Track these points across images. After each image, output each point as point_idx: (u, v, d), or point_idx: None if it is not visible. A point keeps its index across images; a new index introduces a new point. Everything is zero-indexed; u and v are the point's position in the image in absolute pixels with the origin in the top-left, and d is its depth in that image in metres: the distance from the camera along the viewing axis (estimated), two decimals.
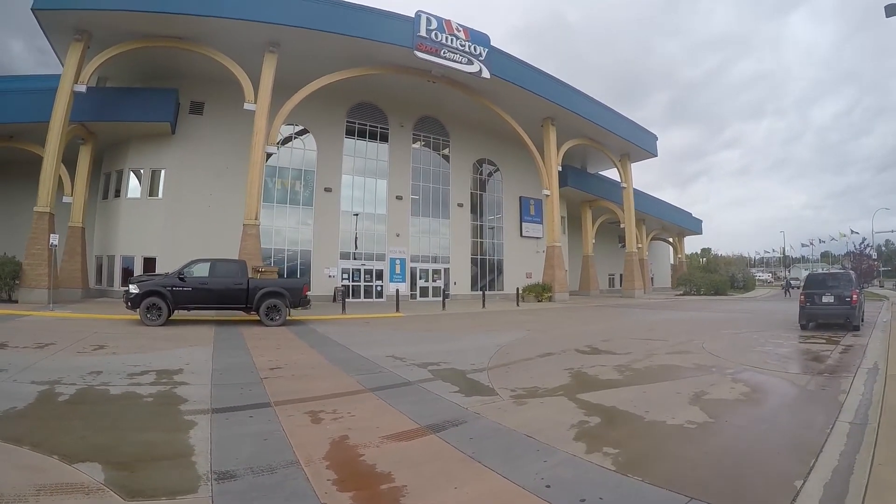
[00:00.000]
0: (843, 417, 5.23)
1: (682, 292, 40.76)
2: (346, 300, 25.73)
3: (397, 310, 19.97)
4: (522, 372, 7.78)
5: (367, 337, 12.28)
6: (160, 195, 23.41)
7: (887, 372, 7.26)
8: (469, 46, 24.05)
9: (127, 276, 20.54)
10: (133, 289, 12.97)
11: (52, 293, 17.22)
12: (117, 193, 23.63)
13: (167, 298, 13.00)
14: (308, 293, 15.07)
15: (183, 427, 4.82)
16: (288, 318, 14.73)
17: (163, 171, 23.52)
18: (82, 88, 18.94)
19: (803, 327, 13.81)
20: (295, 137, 26.73)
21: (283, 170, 26.32)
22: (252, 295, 13.95)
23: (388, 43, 22.16)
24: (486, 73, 24.34)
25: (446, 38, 23.33)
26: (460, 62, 23.78)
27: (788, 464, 4.01)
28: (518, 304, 24.77)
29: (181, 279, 13.40)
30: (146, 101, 22.33)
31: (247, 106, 20.51)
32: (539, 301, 28.11)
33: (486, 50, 24.58)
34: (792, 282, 43.93)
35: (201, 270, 13.84)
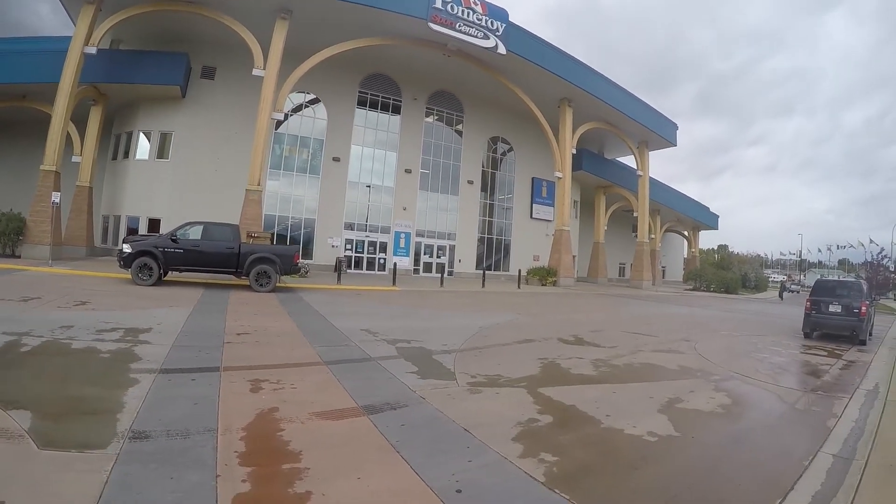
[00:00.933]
0: (828, 448, 4.69)
1: (691, 287, 40.31)
2: (349, 271, 26.23)
3: (394, 283, 20.10)
4: (493, 358, 7.61)
5: (352, 308, 12.35)
6: (168, 157, 23.73)
7: (888, 397, 6.74)
8: (486, 21, 23.56)
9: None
10: (126, 248, 13.24)
11: (57, 250, 17.79)
12: (126, 154, 24.03)
13: (159, 259, 13.21)
14: (300, 261, 15.28)
15: (124, 384, 4.94)
16: (279, 284, 14.93)
17: (172, 134, 23.79)
18: (92, 50, 19.11)
19: (807, 336, 13.28)
20: (306, 106, 26.71)
21: (292, 137, 26.41)
22: (243, 260, 14.11)
23: (401, 13, 21.80)
24: (502, 49, 23.87)
25: (462, 10, 22.87)
26: (476, 36, 23.34)
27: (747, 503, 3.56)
28: (519, 287, 24.68)
29: (174, 240, 13.60)
30: (157, 64, 22.44)
31: (255, 72, 20.53)
32: (543, 285, 28.00)
33: (504, 25, 24.05)
34: (791, 286, 43.26)
35: (194, 233, 14.01)
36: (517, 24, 25.25)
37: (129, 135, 24.07)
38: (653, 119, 35.16)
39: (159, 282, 13.46)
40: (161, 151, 23.86)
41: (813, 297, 13.38)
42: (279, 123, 25.65)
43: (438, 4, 22.17)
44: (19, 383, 4.78)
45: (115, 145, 24.71)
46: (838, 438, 5.00)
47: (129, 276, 13.23)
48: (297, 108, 26.45)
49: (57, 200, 16.50)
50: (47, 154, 18.53)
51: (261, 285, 14.08)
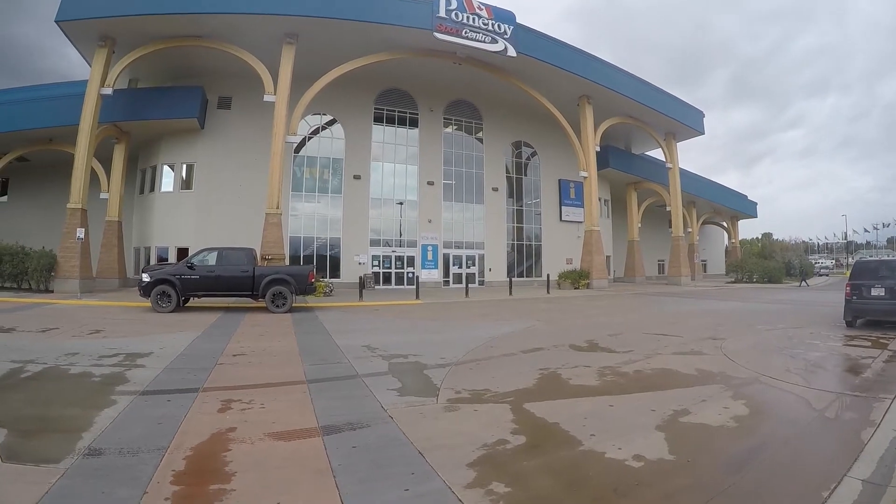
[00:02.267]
0: (858, 471, 3.76)
1: (732, 279, 38.94)
2: (377, 287, 26.61)
3: (417, 297, 20.20)
4: (489, 370, 7.29)
5: (363, 325, 12.47)
6: (192, 188, 24.83)
7: None
8: (493, 25, 23.70)
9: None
10: (145, 277, 13.88)
11: (88, 283, 18.95)
12: (152, 188, 25.27)
13: (176, 286, 13.76)
14: (315, 280, 15.57)
15: (102, 405, 5.17)
16: (298, 304, 15.29)
17: (195, 165, 24.92)
18: (108, 91, 20.32)
19: (849, 324, 12.21)
20: (323, 128, 27.49)
21: (311, 159, 27.19)
22: (258, 282, 14.50)
23: (406, 27, 22.21)
24: (511, 52, 23.93)
25: (467, 17, 23.10)
26: (483, 41, 23.49)
27: None
28: (548, 292, 24.40)
29: (190, 267, 14.18)
30: (173, 99, 23.63)
31: (266, 98, 21.26)
32: (576, 288, 27.55)
33: (512, 27, 24.13)
34: (820, 269, 40.98)
35: (209, 259, 14.56)
36: (526, 25, 25.33)
37: (154, 169, 25.31)
38: (677, 108, 34.38)
39: (179, 308, 14.04)
40: (185, 182, 25.00)
41: (853, 280, 12.21)
42: (300, 146, 26.55)
43: (442, 13, 22.46)
44: (8, 405, 5.19)
45: (142, 180, 26.03)
46: (872, 456, 4.12)
47: (150, 305, 13.89)
48: (315, 130, 27.28)
49: (82, 236, 17.55)
50: (72, 193, 19.73)
51: (277, 306, 14.44)
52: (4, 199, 28.21)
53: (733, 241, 54.26)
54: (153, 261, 24.16)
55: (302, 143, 26.71)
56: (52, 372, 6.58)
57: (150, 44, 20.94)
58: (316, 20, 21.07)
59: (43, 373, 6.52)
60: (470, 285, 27.18)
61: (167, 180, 25.21)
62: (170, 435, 4.37)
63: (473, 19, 23.28)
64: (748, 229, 55.55)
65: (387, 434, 4.55)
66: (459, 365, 7.61)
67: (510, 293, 23.26)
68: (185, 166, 25.07)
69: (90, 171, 20.70)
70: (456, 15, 22.81)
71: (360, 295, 19.66)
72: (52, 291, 18.36)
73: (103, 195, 22.73)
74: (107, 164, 22.86)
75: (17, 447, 3.95)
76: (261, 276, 14.63)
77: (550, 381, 6.76)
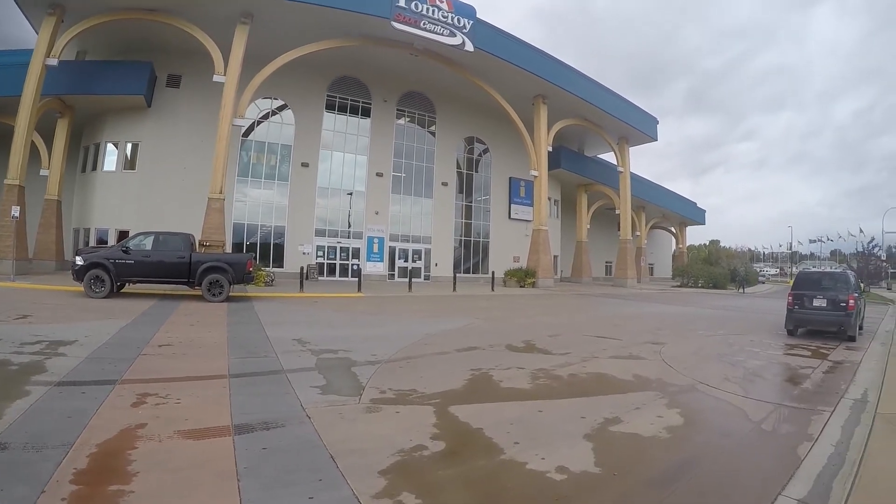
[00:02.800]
0: (793, 490, 3.65)
1: (678, 284, 40.72)
2: (321, 278, 26.63)
3: (359, 290, 20.39)
4: (419, 369, 7.23)
5: (299, 317, 12.54)
6: (136, 168, 24.21)
7: (877, 409, 5.80)
8: (452, 18, 23.96)
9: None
10: (78, 260, 13.59)
11: (23, 265, 18.47)
12: (94, 166, 24.55)
13: (110, 271, 13.55)
14: (254, 269, 15.58)
15: (14, 396, 5.22)
16: (236, 294, 15.26)
17: (139, 145, 24.29)
18: (54, 62, 19.67)
19: (790, 333, 12.65)
20: (274, 113, 27.13)
21: (259, 144, 26.88)
22: (194, 269, 14.37)
23: (364, 13, 22.22)
24: (469, 47, 24.26)
25: (427, 8, 23.27)
26: (442, 34, 23.75)
27: None
28: (493, 289, 25.00)
29: (125, 251, 13.96)
30: (120, 73, 22.98)
31: (216, 78, 20.91)
32: (522, 287, 28.29)
33: (471, 22, 24.45)
34: (760, 277, 44.27)
35: (145, 243, 14.36)
36: (486, 20, 25.65)
37: (97, 146, 24.55)
38: (632, 114, 35.51)
39: (113, 294, 13.84)
40: (128, 162, 24.36)
41: (795, 290, 12.67)
42: (249, 130, 26.16)
43: (402, 3, 22.54)
44: None
45: (84, 157, 25.21)
46: (809, 474, 4.00)
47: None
48: (265, 115, 26.90)
49: (17, 214, 17.05)
50: (10, 168, 19.11)
51: (213, 295, 14.33)
52: None
53: (680, 246, 56.60)
54: (92, 243, 23.50)
55: (251, 128, 26.36)
56: None
57: (100, 14, 20.34)
58: (275, 1, 20.79)
59: None
60: (415, 280, 27.63)
61: (110, 159, 24.55)
62: (78, 430, 4.38)
63: (433, 11, 23.46)
64: (696, 236, 58.64)
65: (301, 435, 4.48)
66: (390, 362, 7.60)
67: (454, 289, 23.70)
68: (129, 145, 24.46)
69: (30, 145, 20.02)
70: (416, 5, 22.94)
71: (301, 286, 19.74)
72: None
73: (43, 172, 22.05)
74: (49, 139, 22.12)
75: None
76: (197, 262, 14.51)
77: (481, 382, 6.73)
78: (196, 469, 3.78)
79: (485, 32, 25.35)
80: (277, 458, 3.99)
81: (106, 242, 22.91)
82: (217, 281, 14.44)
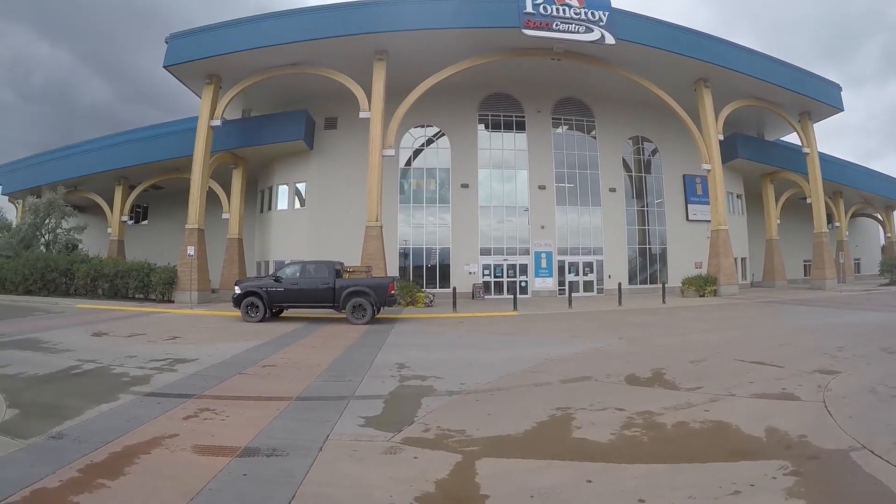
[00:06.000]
0: None
1: (887, 281, 32.48)
2: (486, 297, 26.63)
3: (514, 308, 19.84)
4: (493, 404, 6.29)
5: (425, 339, 12.08)
6: (305, 205, 27.33)
7: None
8: (585, 13, 22.67)
9: None
10: (237, 289, 15.59)
11: (205, 295, 22.10)
12: (270, 207, 28.31)
13: (263, 298, 15.20)
14: (394, 292, 15.96)
15: (103, 401, 6.00)
16: (382, 315, 16.08)
17: (306, 184, 27.42)
18: (217, 123, 23.30)
19: None
20: (428, 140, 28.41)
21: (417, 171, 28.22)
22: (338, 294, 15.34)
23: (493, 27, 22.19)
24: (609, 39, 22.63)
25: (556, 8, 22.35)
26: (577, 32, 22.54)
27: None
28: (664, 301, 22.48)
29: (276, 280, 15.62)
30: (280, 124, 26.31)
31: (362, 114, 22.55)
32: (701, 296, 25.04)
33: (607, 13, 22.87)
34: None
35: (293, 272, 15.94)
36: (623, 9, 23.88)
37: (271, 189, 28.33)
38: (808, 84, 29.70)
39: (268, 318, 15.38)
40: (298, 201, 27.67)
41: None
42: (410, 160, 27.88)
43: (529, 8, 22.01)
44: (36, 392, 6.48)
45: (261, 199, 29.33)
46: None
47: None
48: (420, 142, 28.35)
49: (192, 253, 20.61)
50: (189, 215, 22.97)
51: (357, 318, 15.01)
52: (146, 222, 34.93)
53: (889, 235, 45.29)
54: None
55: (410, 157, 27.97)
56: (97, 371, 7.74)
57: (250, 77, 23.49)
58: (399, 34, 22.02)
59: (90, 371, 7.70)
60: (588, 294, 26.42)
61: (283, 199, 28.06)
62: (123, 433, 4.93)
63: (563, 10, 22.47)
64: None
65: (288, 468, 4.21)
66: (470, 394, 6.77)
67: (619, 303, 21.87)
68: (298, 185, 27.70)
69: (206, 194, 23.85)
70: (544, 8, 22.21)
71: (454, 305, 19.86)
72: (173, 301, 21.46)
73: (224, 216, 26.33)
74: (227, 187, 26.45)
75: (13, 423, 5.17)
76: (341, 288, 15.43)
77: (551, 428, 5.39)
78: (170, 482, 3.92)
79: (624, 21, 23.49)
80: (246, 487, 3.87)
81: None
82: (360, 305, 15.16)
